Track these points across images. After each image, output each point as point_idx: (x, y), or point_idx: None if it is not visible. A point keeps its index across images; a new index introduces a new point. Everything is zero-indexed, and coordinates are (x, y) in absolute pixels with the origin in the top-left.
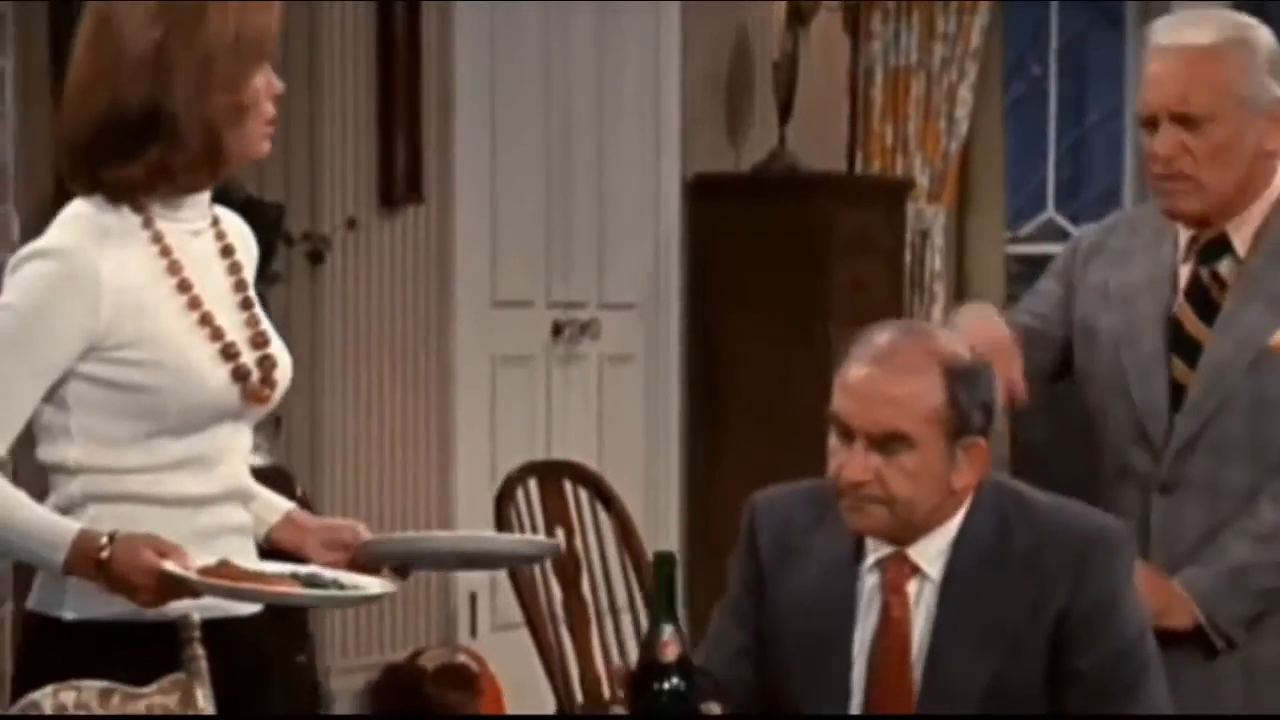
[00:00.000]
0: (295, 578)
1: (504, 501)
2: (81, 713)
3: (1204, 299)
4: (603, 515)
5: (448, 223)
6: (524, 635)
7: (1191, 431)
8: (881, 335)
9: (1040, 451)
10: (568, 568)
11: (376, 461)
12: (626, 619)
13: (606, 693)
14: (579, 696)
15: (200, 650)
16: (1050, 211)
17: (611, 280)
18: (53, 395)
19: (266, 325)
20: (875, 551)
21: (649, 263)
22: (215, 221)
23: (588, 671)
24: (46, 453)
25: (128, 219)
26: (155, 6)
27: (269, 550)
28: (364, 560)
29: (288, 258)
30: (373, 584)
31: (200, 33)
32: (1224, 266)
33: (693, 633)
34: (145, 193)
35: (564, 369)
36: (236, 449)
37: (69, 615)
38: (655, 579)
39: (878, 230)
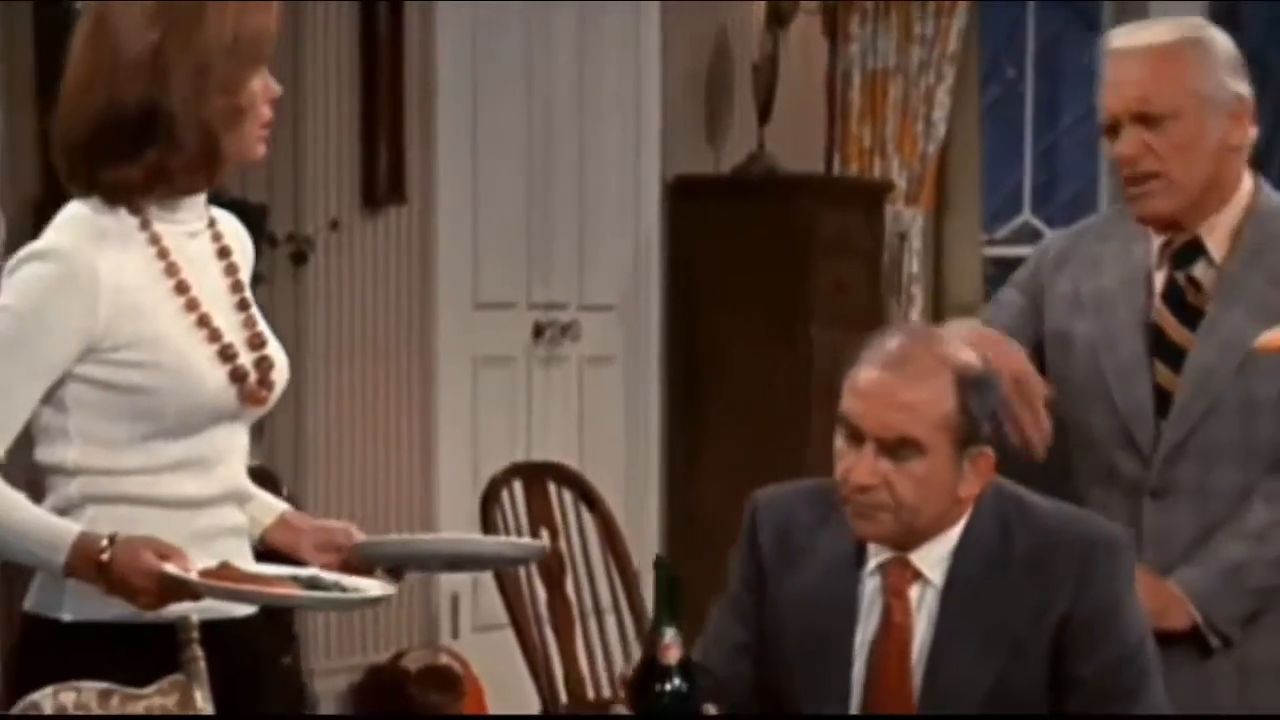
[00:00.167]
0: (296, 580)
1: (489, 503)
2: (81, 713)
3: (1181, 303)
4: (586, 516)
5: (430, 224)
6: (505, 636)
7: (1180, 436)
8: (894, 339)
9: (1015, 455)
10: (552, 568)
11: (359, 462)
12: (610, 619)
13: (591, 693)
14: (563, 697)
15: (199, 651)
16: (1026, 214)
17: (592, 282)
18: (51, 397)
19: (263, 326)
20: (877, 555)
21: (629, 264)
22: (212, 223)
23: (572, 672)
24: (44, 454)
25: (125, 221)
26: (153, 7)
27: (263, 551)
28: (357, 562)
29: (271, 259)
30: (373, 586)
31: (198, 34)
32: (1199, 270)
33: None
34: (143, 194)
35: (545, 370)
36: (234, 450)
37: (68, 616)
38: (656, 584)
39: (857, 232)
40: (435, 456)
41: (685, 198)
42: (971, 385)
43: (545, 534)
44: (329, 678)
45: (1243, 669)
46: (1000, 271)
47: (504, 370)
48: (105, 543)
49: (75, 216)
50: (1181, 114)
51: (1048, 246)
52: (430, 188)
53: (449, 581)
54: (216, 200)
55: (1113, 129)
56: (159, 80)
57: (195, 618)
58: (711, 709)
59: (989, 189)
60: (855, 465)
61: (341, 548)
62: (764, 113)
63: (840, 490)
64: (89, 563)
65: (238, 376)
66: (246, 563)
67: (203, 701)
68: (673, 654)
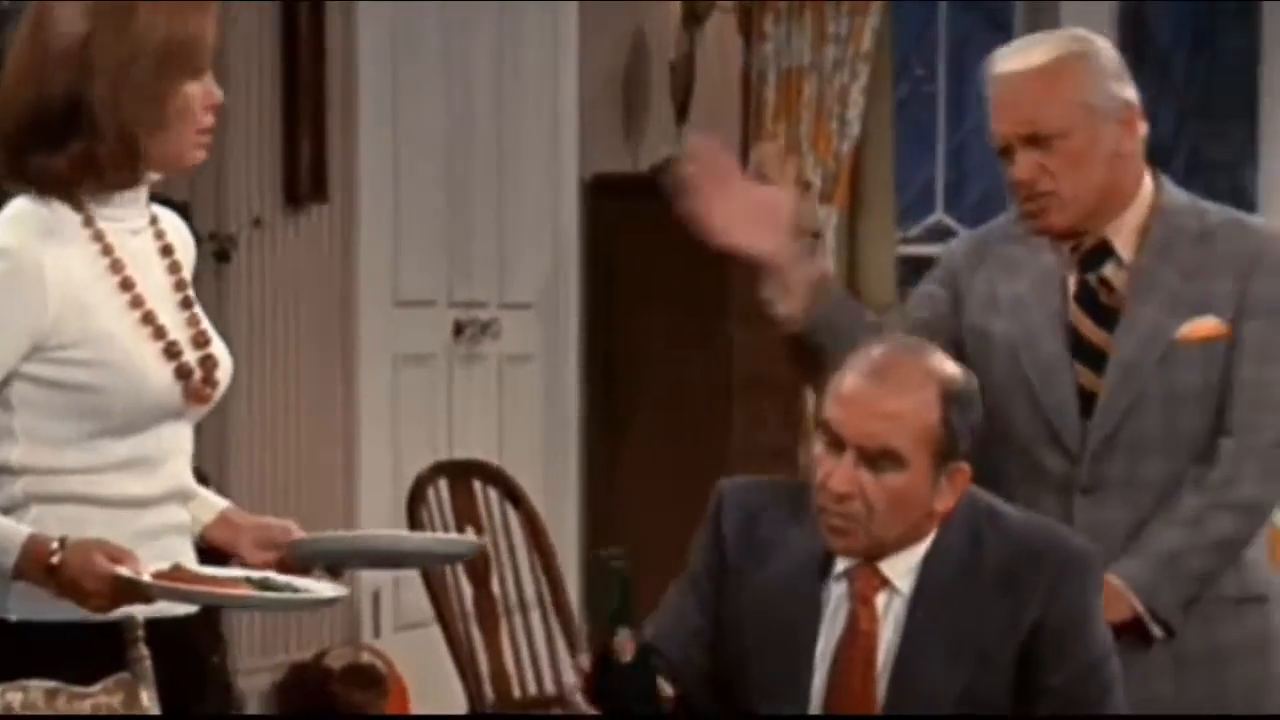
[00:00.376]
0: (249, 581)
1: (415, 501)
2: (29, 713)
3: (1095, 304)
4: (511, 514)
5: (351, 222)
6: (427, 635)
7: (1106, 433)
8: (881, 349)
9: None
10: (478, 566)
11: (281, 459)
12: (535, 616)
13: (517, 690)
14: (489, 694)
15: (144, 651)
16: (939, 213)
17: (512, 280)
18: None
19: (207, 325)
20: (845, 560)
21: (548, 262)
22: (154, 220)
23: (498, 669)
24: None
25: (68, 217)
26: (89, 5)
27: (203, 549)
28: (293, 560)
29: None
30: (325, 588)
31: (127, 31)
32: (1109, 270)
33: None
34: (71, 185)
35: (466, 368)
36: (180, 449)
37: (13, 616)
38: (608, 585)
39: None
40: (357, 454)
41: (603, 196)
42: (955, 399)
43: (470, 531)
44: (252, 676)
45: (1178, 659)
46: (913, 270)
47: (424, 368)
48: (55, 545)
49: (18, 214)
50: (1072, 131)
51: (955, 248)
52: (352, 186)
53: (370, 580)
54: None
55: (1006, 152)
56: (84, 73)
57: (140, 617)
58: (668, 688)
59: (899, 188)
60: (834, 472)
61: (281, 545)
62: (681, 111)
63: (816, 495)
64: (38, 565)
65: (182, 374)
66: (190, 561)
67: (148, 700)
68: (628, 651)
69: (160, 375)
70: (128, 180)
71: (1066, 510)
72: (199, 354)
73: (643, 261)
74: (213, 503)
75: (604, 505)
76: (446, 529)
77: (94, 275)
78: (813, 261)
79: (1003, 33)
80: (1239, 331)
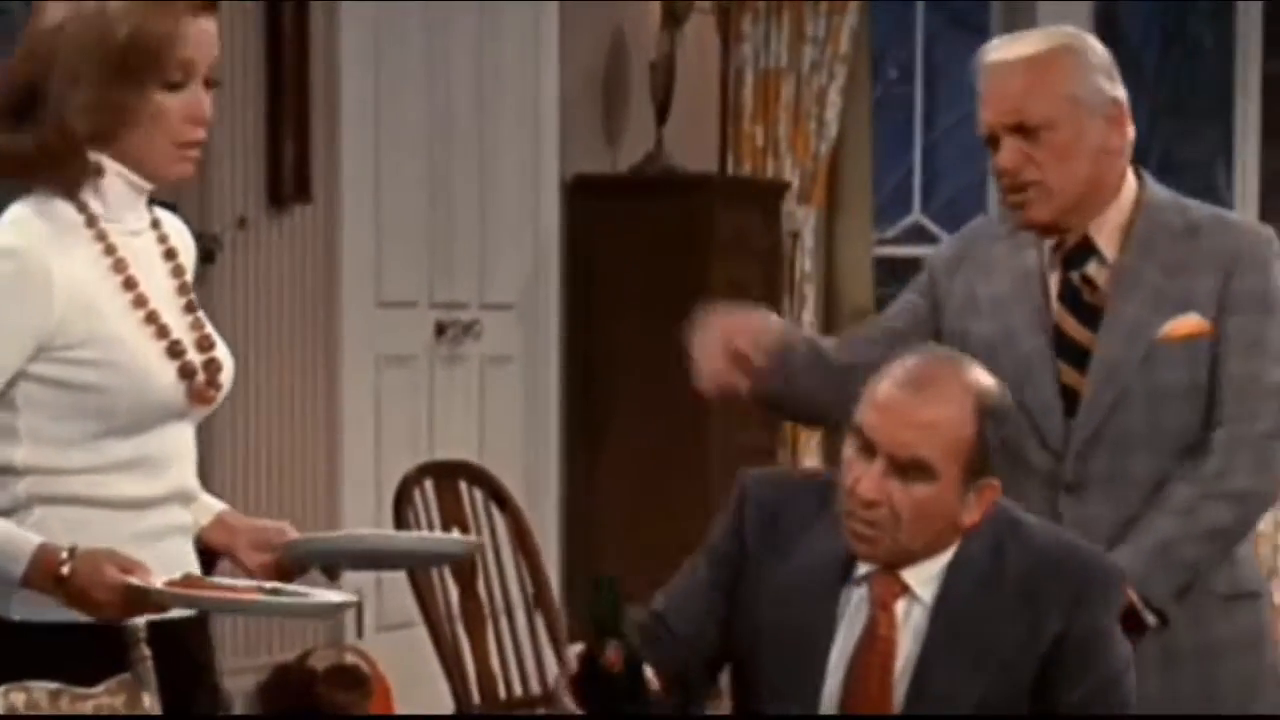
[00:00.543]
0: (260, 590)
1: (402, 502)
2: (32, 713)
3: (1078, 301)
4: (497, 515)
5: (334, 223)
6: (409, 635)
7: (1090, 431)
8: (920, 359)
9: None
10: (464, 567)
11: (264, 459)
12: (521, 616)
13: (503, 692)
14: (475, 695)
15: (146, 652)
16: (916, 214)
17: (493, 281)
18: (2, 396)
19: (210, 329)
20: (866, 564)
21: (529, 263)
22: (156, 224)
23: (484, 670)
24: None
25: (71, 218)
26: (74, 2)
27: (200, 550)
28: (289, 560)
29: None
30: (335, 595)
31: (92, 29)
32: (1092, 269)
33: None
34: (10, 172)
35: (447, 369)
36: (183, 451)
37: (16, 616)
38: (600, 602)
39: (754, 231)
40: (339, 454)
41: (584, 197)
42: (990, 414)
43: (456, 532)
44: (236, 677)
45: (1168, 655)
46: (890, 272)
47: (406, 369)
48: (65, 555)
49: (22, 215)
50: (1059, 123)
51: (939, 252)
52: (334, 187)
53: (353, 580)
54: None
55: (992, 141)
56: (47, 63)
57: (142, 618)
58: (655, 682)
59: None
60: (864, 477)
61: (277, 546)
62: (661, 112)
63: (842, 498)
64: (47, 575)
65: (186, 373)
66: (192, 562)
67: (150, 701)
68: (617, 662)
69: (164, 375)
70: (72, 178)
71: (1052, 508)
72: (203, 357)
73: (623, 262)
74: (209, 505)
75: (583, 505)
76: (432, 529)
77: (98, 275)
78: (770, 330)
79: (978, 34)
80: (1224, 327)
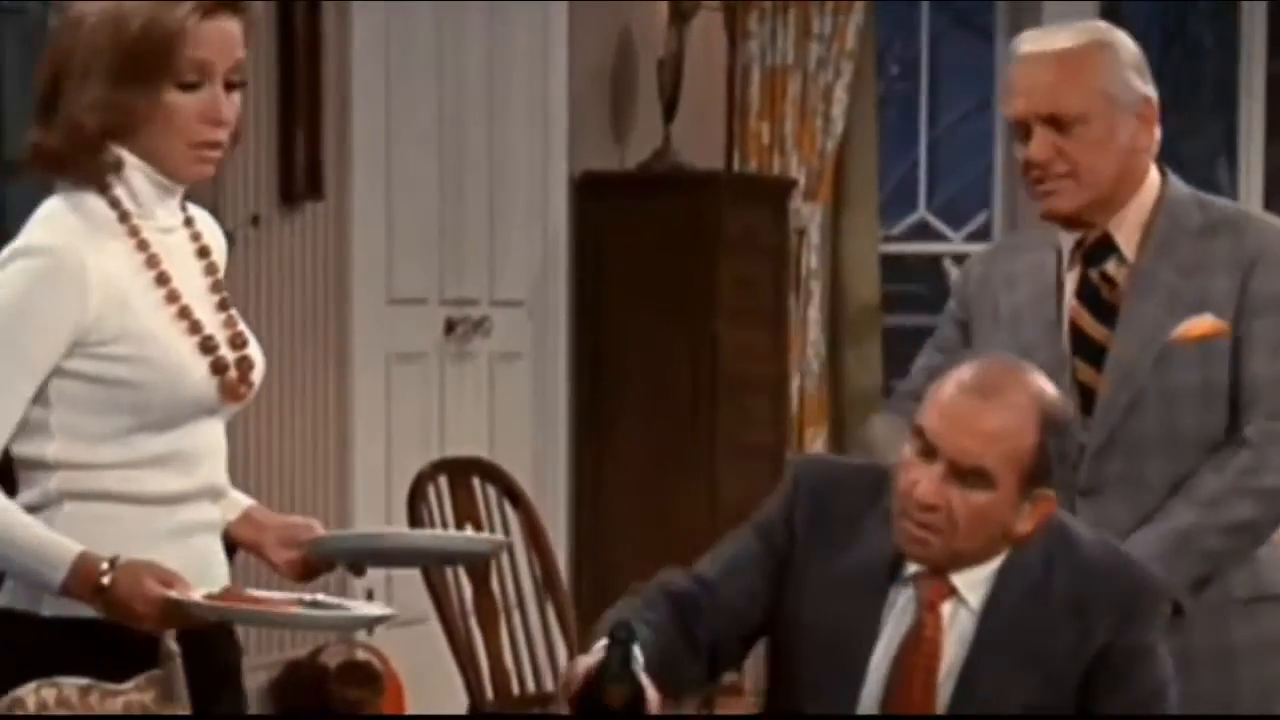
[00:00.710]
0: (300, 603)
1: (416, 498)
2: (63, 711)
3: (1096, 299)
4: (510, 512)
5: (345, 220)
6: (419, 632)
7: (1105, 433)
8: (986, 365)
9: None
10: (478, 564)
11: (275, 455)
12: (534, 613)
13: (516, 688)
14: (489, 691)
15: (176, 648)
16: (921, 211)
17: (502, 278)
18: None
19: (243, 326)
20: (915, 565)
21: (538, 260)
22: (189, 222)
23: (497, 667)
24: (22, 448)
25: (104, 214)
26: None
27: (227, 546)
28: (315, 557)
29: None
30: (374, 607)
31: (106, 22)
32: (1111, 267)
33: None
34: (52, 166)
35: (457, 365)
36: (214, 447)
37: (46, 612)
38: (611, 648)
39: (762, 228)
40: (350, 450)
41: (592, 194)
42: (1053, 425)
43: (470, 529)
44: (248, 674)
45: (1186, 659)
46: (895, 268)
47: (417, 366)
48: (106, 566)
49: (55, 212)
50: (1091, 117)
51: (968, 269)
52: (346, 184)
53: (364, 577)
54: None
55: (1022, 131)
56: (68, 59)
57: None
58: (649, 688)
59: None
60: (923, 480)
61: (304, 543)
62: (669, 109)
63: (897, 499)
64: (87, 585)
65: (219, 369)
66: (221, 560)
67: (179, 697)
68: (618, 702)
69: (197, 370)
70: (92, 174)
71: (1069, 511)
72: (236, 355)
73: (631, 259)
74: (238, 500)
75: (592, 500)
76: (446, 527)
77: (131, 271)
78: None
79: (984, 34)
80: (1246, 329)
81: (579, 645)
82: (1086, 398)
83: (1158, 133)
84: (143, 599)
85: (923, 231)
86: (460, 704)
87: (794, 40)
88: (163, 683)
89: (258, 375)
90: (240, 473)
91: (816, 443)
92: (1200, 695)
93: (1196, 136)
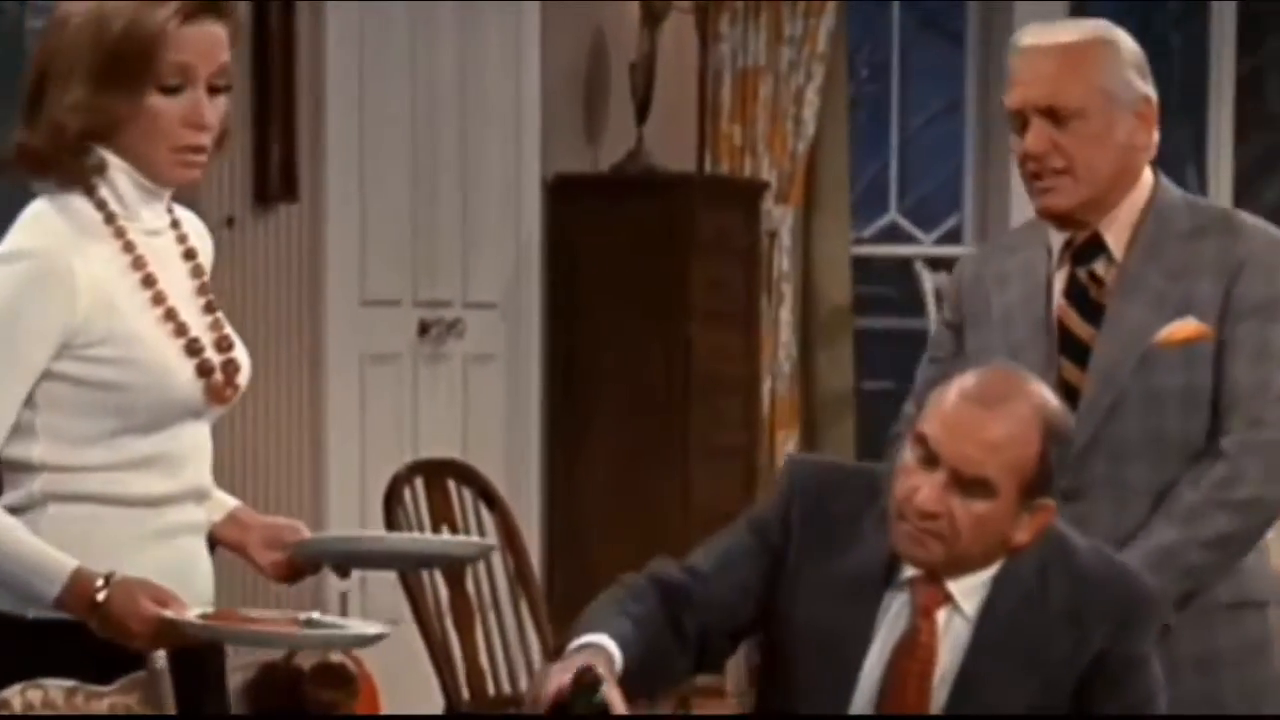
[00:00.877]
0: (294, 622)
1: (392, 501)
2: (48, 712)
3: (1083, 298)
4: (485, 514)
5: (319, 221)
6: (396, 633)
7: (1088, 435)
8: (989, 374)
9: None
10: (453, 566)
11: (249, 457)
12: (509, 615)
13: (491, 689)
14: (465, 692)
15: (163, 665)
16: (893, 213)
17: (475, 280)
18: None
19: (230, 330)
20: (911, 569)
21: (511, 262)
22: (176, 224)
23: (473, 668)
24: (8, 450)
25: (90, 216)
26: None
27: (211, 547)
28: (300, 559)
29: None
30: (370, 626)
31: (89, 24)
32: (1100, 266)
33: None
34: (35, 166)
35: (431, 367)
36: (200, 449)
37: (31, 615)
38: (579, 698)
39: (734, 231)
40: (324, 452)
41: (565, 196)
42: (1055, 436)
43: (445, 531)
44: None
45: (1170, 664)
46: (866, 270)
47: (390, 367)
48: (101, 583)
49: (41, 214)
50: (1089, 112)
51: (959, 272)
52: (320, 186)
53: (338, 580)
54: None
55: (1020, 123)
56: (52, 59)
57: None
58: (617, 700)
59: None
60: (922, 488)
61: (289, 545)
62: (641, 111)
63: (896, 504)
64: (82, 600)
65: (204, 371)
66: (205, 560)
67: (164, 699)
68: None
69: (183, 372)
70: (75, 175)
71: None
72: (222, 357)
73: (603, 261)
74: (223, 501)
75: (565, 502)
76: (422, 529)
77: (116, 273)
78: None
79: (954, 37)
80: (1231, 333)
81: (554, 646)
82: (1071, 398)
83: (1156, 133)
84: (137, 617)
85: (894, 234)
86: (436, 705)
87: (765, 43)
88: (148, 685)
89: (244, 378)
90: (215, 474)
91: (788, 444)
92: (1185, 699)
93: (1164, 138)
